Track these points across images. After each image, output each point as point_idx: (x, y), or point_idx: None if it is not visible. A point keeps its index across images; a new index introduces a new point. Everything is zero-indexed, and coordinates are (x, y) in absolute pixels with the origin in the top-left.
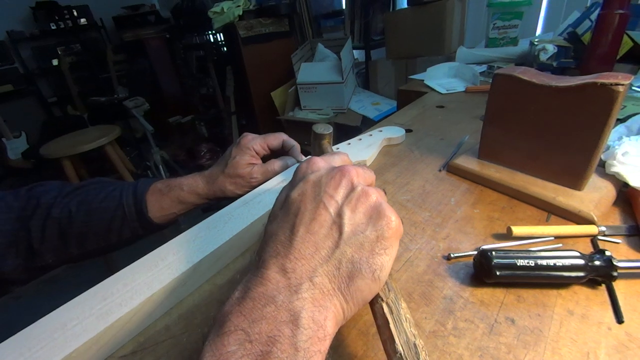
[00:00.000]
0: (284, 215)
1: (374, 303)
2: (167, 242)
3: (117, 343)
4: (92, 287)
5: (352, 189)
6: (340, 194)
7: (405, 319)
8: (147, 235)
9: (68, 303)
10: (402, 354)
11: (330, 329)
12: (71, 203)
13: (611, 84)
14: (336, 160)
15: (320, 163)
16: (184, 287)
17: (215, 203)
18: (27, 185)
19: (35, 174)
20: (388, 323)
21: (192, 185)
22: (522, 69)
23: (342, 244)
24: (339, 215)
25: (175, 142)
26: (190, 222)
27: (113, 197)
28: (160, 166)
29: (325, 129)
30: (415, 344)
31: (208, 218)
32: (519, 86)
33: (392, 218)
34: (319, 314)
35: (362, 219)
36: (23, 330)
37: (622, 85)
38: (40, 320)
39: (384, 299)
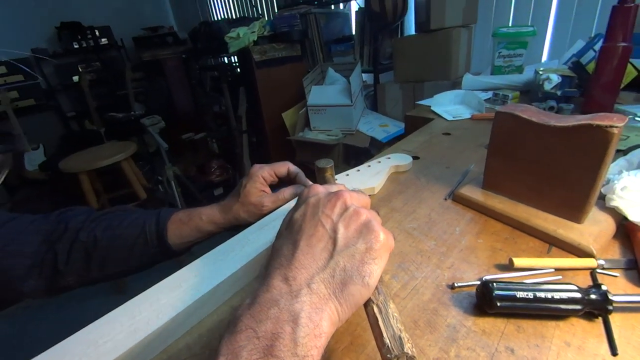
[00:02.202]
0: (288, 233)
1: (367, 305)
2: (183, 265)
3: None
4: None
5: (345, 209)
6: (335, 213)
7: (393, 317)
8: (164, 260)
9: (99, 320)
10: (389, 346)
11: (325, 328)
12: (97, 228)
13: (606, 126)
14: (333, 187)
15: (320, 188)
16: (204, 308)
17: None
18: (42, 195)
19: (50, 186)
20: (377, 321)
21: (210, 215)
22: (523, 107)
23: (336, 255)
24: (334, 230)
25: (188, 158)
26: (203, 244)
27: (137, 224)
28: (172, 181)
29: (327, 163)
30: (400, 337)
31: (226, 242)
32: (519, 124)
33: (380, 232)
34: (316, 315)
35: (354, 234)
36: (57, 345)
37: (617, 127)
38: (74, 335)
39: (375, 302)
